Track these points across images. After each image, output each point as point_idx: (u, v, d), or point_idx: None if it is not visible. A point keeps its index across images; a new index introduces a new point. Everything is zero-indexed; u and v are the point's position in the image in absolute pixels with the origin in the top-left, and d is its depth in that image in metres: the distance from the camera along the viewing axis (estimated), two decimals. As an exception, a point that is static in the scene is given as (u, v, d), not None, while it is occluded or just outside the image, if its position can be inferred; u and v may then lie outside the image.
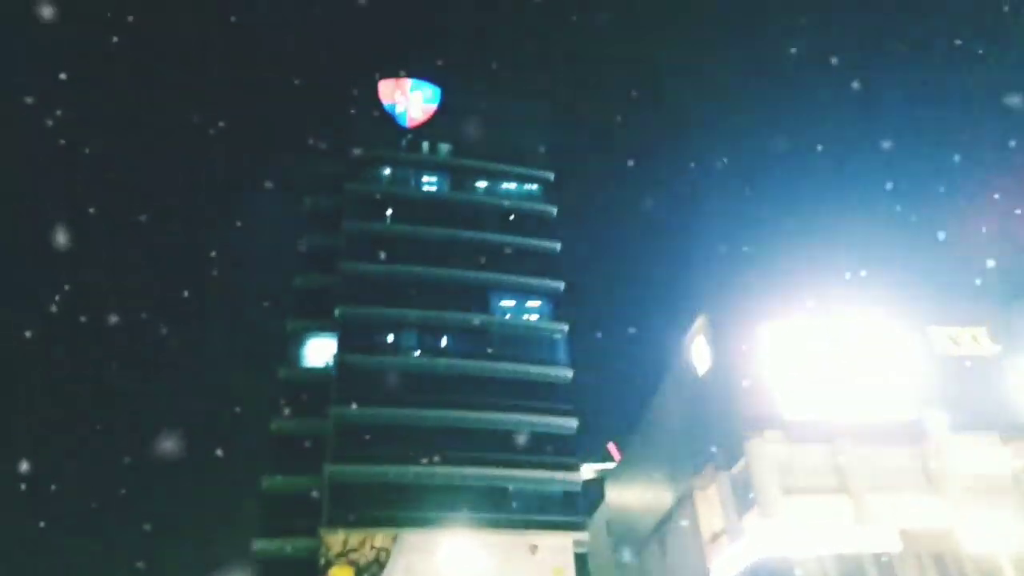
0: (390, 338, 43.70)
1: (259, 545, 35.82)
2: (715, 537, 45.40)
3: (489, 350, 42.72)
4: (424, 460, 37.55)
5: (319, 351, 43.78)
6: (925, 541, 36.97)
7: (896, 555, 36.44)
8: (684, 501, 49.09)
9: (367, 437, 38.34)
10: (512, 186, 51.35)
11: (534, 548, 36.36)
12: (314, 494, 36.96)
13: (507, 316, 45.45)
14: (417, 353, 43.10)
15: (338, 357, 41.33)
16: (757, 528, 39.20)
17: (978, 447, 41.86)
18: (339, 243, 45.38)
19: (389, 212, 47.94)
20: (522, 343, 44.08)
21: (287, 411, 40.62)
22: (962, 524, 35.17)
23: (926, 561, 36.64)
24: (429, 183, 50.25)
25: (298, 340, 44.58)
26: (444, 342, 43.81)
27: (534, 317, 46.18)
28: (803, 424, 41.28)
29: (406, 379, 40.80)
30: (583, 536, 38.68)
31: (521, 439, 39.77)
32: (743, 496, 42.29)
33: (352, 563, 34.76)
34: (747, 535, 40.06)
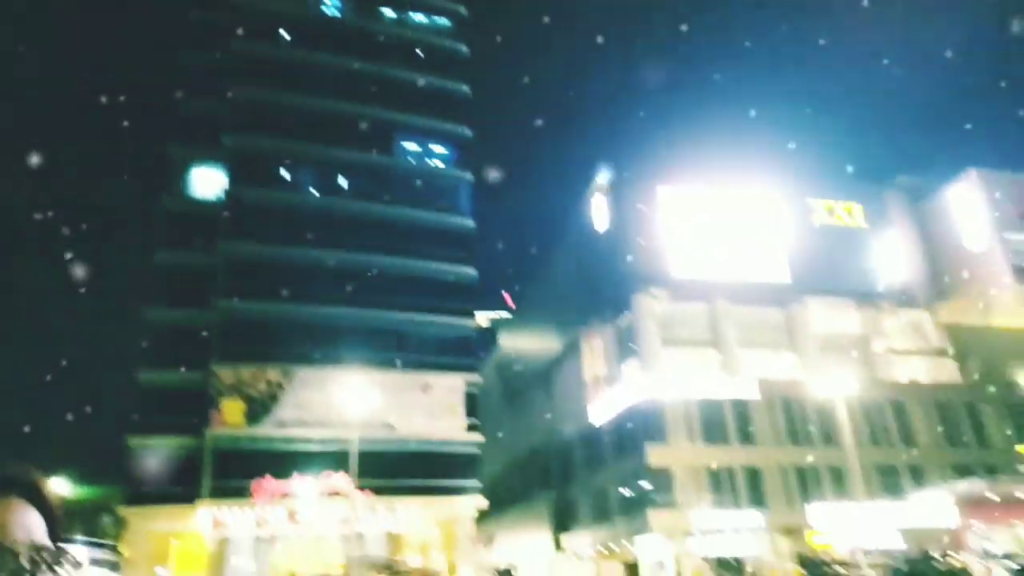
0: (285, 174, 41.42)
1: (145, 377, 35.09)
2: (596, 382, 48.83)
3: (390, 194, 41.45)
4: (319, 300, 37.17)
5: (208, 182, 41.02)
6: (779, 389, 41.38)
7: (752, 402, 40.69)
8: (571, 349, 52.07)
9: (260, 274, 37.28)
10: (422, 18, 47.88)
11: (427, 387, 37.82)
12: (204, 333, 36.19)
13: (410, 160, 43.94)
14: (314, 191, 41.30)
15: (229, 189, 38.95)
16: (635, 375, 42.43)
17: (835, 310, 46.40)
18: (228, 63, 41.27)
19: (283, 33, 43.65)
20: (425, 189, 43.05)
21: (173, 243, 38.42)
22: (811, 376, 39.39)
23: (777, 406, 41.17)
24: (330, 4, 45.82)
25: (184, 168, 41.42)
26: (343, 182, 42.08)
27: (438, 163, 44.97)
28: (687, 283, 43.98)
29: (301, 217, 39.24)
30: (475, 378, 40.48)
31: (419, 285, 39.96)
32: (625, 346, 45.31)
33: (244, 397, 34.99)
34: (626, 381, 43.35)
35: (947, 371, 45.91)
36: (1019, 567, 20.63)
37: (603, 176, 48.44)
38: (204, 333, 36.41)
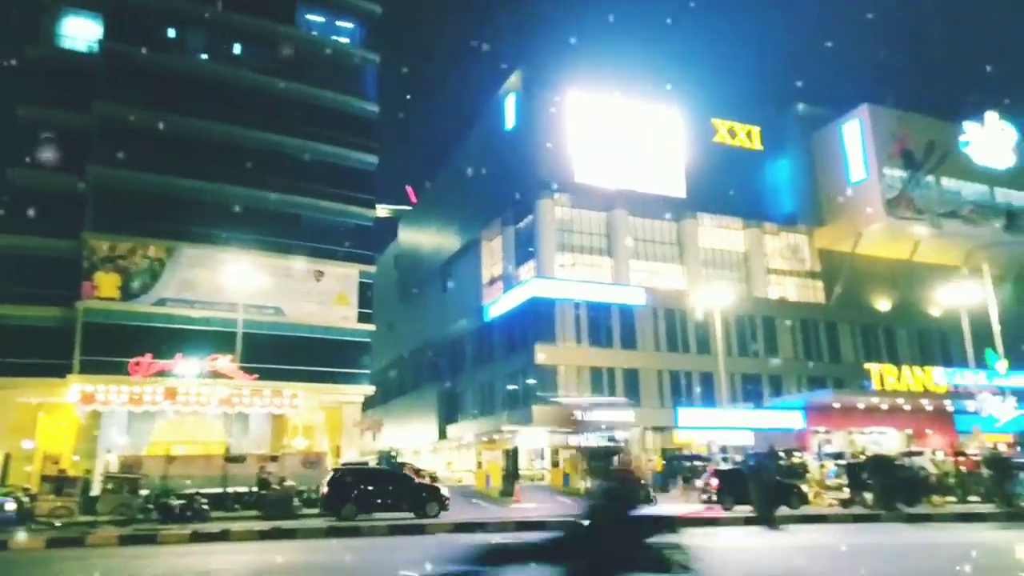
0: (172, 32, 37.66)
1: (8, 241, 32.28)
2: (493, 281, 49.51)
3: (289, 68, 38.66)
4: (206, 175, 34.86)
5: (82, 31, 36.71)
6: (662, 298, 43.52)
7: (638, 308, 42.68)
8: (470, 247, 52.22)
9: (140, 141, 34.34)
10: None
11: (319, 275, 37.03)
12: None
13: (313, 33, 40.96)
14: (204, 57, 37.92)
15: (106, 44, 35.10)
16: (531, 276, 43.31)
17: (724, 228, 48.65)
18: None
19: None
20: (328, 67, 40.36)
21: (39, 98, 34.50)
22: (694, 288, 41.60)
23: (659, 314, 43.39)
24: None
25: (55, 15, 36.79)
26: (238, 49, 38.80)
27: (344, 40, 42.23)
28: (588, 189, 44.57)
29: (189, 84, 35.94)
30: (370, 269, 39.95)
31: (317, 168, 38.15)
32: (524, 248, 45.91)
33: (120, 270, 33.01)
34: (521, 281, 44.21)
35: (815, 292, 49.66)
36: (846, 463, 23.40)
37: (515, 76, 47.32)
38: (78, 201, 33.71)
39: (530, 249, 44.53)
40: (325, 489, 19.85)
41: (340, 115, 40.38)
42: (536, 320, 40.79)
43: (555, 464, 36.81)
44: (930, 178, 47.36)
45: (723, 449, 32.31)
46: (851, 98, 49.70)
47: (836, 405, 38.18)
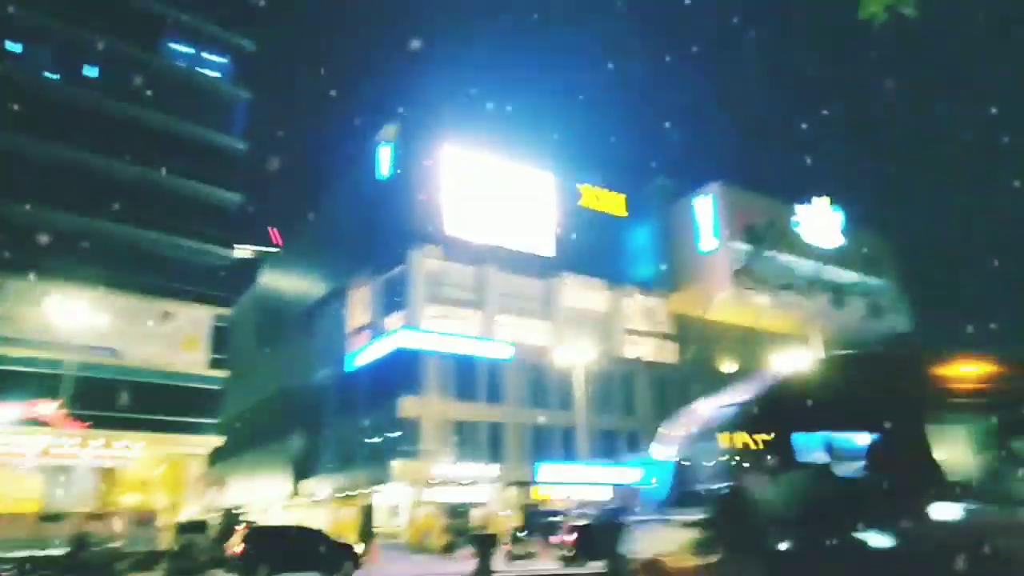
0: (16, 46, 34.53)
1: None
2: (359, 330, 48.25)
3: (149, 96, 36.41)
4: (41, 201, 31.68)
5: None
6: (528, 353, 44.20)
7: (504, 363, 43.05)
8: (337, 294, 50.76)
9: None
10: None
11: (166, 315, 34.40)
12: None
13: (179, 63, 39.13)
14: (52, 76, 35.02)
15: (-67, 51, 31.57)
16: (398, 327, 42.65)
17: (588, 288, 50.59)
18: None
19: None
20: (193, 99, 38.46)
21: None
22: (559, 345, 42.54)
23: (525, 368, 43.98)
24: None
25: None
26: (94, 72, 36.15)
27: (213, 74, 40.69)
28: (460, 243, 45.00)
29: (31, 102, 32.97)
30: (226, 311, 37.69)
31: (171, 202, 35.84)
32: (392, 299, 45.27)
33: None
34: (388, 331, 43.40)
35: (669, 352, 52.42)
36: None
37: (392, 126, 47.50)
38: None
39: (399, 299, 43.97)
40: (239, 548, 18.66)
41: (202, 149, 38.55)
42: (402, 371, 39.99)
43: (413, 521, 35.71)
44: (770, 253, 51.91)
45: (581, 504, 32.78)
46: (706, 174, 54.05)
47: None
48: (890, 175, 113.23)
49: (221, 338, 36.51)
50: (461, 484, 36.00)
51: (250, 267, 67.82)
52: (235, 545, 19.29)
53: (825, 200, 55.93)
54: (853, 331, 56.20)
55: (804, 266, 53.72)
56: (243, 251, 59.44)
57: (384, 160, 47.28)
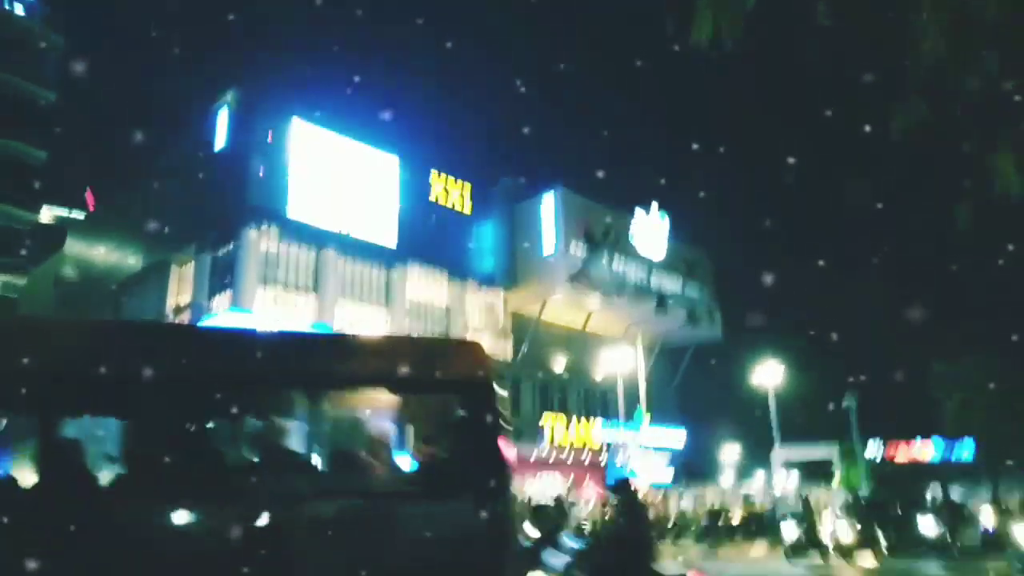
0: None
1: None
2: (180, 310, 44.81)
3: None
4: None
5: None
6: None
7: (339, 352, 41.81)
8: (156, 270, 46.80)
9: None
10: None
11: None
12: None
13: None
14: None
15: None
16: (225, 308, 40.09)
17: (431, 281, 50.62)
18: None
19: None
20: (-6, 40, 33.83)
21: None
22: (402, 333, 42.11)
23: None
24: None
25: None
26: None
27: (20, 10, 35.90)
28: (300, 225, 43.16)
29: None
30: (19, 280, 33.43)
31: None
32: (220, 278, 42.49)
33: None
34: (214, 313, 40.65)
35: (504, 349, 53.72)
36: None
37: (231, 92, 44.57)
38: None
39: (228, 280, 41.41)
40: None
41: (4, 97, 34.04)
42: (226, 356, 37.66)
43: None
44: (605, 259, 54.81)
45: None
46: (550, 175, 56.00)
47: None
48: (710, 191, 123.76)
49: (8, 308, 32.40)
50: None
51: (57, 233, 60.63)
52: None
53: (655, 205, 59.88)
54: (672, 336, 60.85)
55: (634, 274, 57.27)
56: (47, 215, 52.94)
57: (221, 128, 44.25)
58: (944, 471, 62.59)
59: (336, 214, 44.67)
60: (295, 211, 42.86)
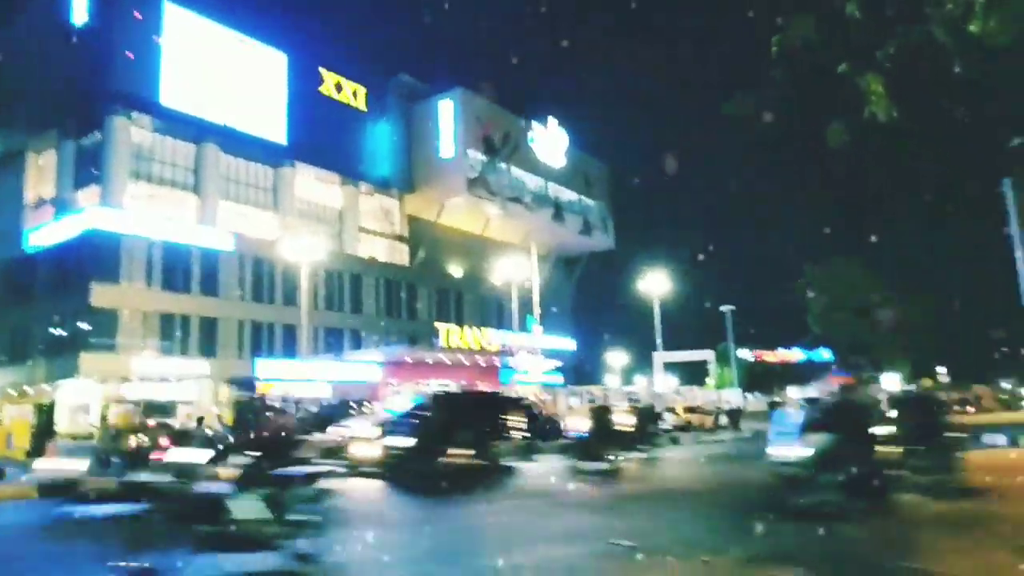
0: None
1: None
2: (40, 203, 41.03)
3: None
4: None
5: None
6: (252, 245, 41.50)
7: (223, 253, 39.92)
8: (11, 158, 42.26)
9: None
10: None
11: None
12: None
13: None
14: None
15: None
16: (93, 203, 36.99)
17: (322, 182, 48.47)
18: None
19: None
20: None
21: None
22: (286, 239, 40.42)
23: (247, 261, 41.34)
24: None
25: None
26: None
27: None
28: (177, 116, 39.73)
29: None
30: None
31: None
32: (86, 169, 38.93)
33: None
34: (80, 208, 37.48)
35: (400, 254, 53.01)
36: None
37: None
38: None
39: (95, 172, 38.08)
40: None
41: None
42: (95, 255, 35.04)
43: (104, 419, 32.36)
44: (503, 165, 54.23)
45: (298, 401, 32.41)
46: (450, 78, 53.80)
47: (409, 360, 41.45)
48: (611, 105, 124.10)
49: None
50: (166, 380, 33.33)
51: None
52: None
53: (555, 120, 59.44)
54: (568, 246, 61.97)
55: (533, 182, 57.17)
56: None
57: (79, 1, 39.31)
58: (807, 370, 68.89)
59: (220, 106, 41.34)
60: (170, 99, 39.32)
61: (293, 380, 33.83)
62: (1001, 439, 17.85)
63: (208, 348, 38.23)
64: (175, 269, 37.87)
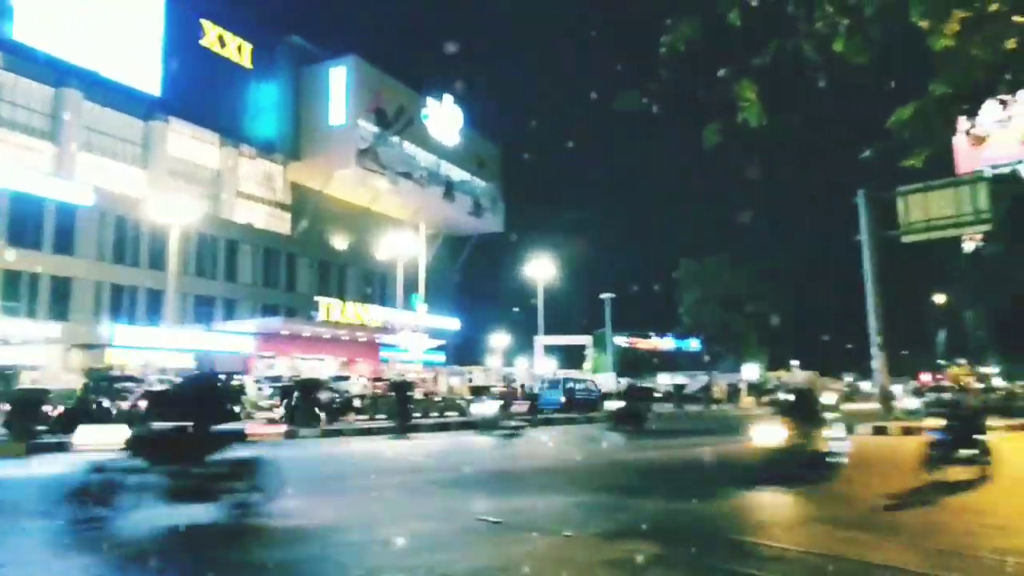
0: None
1: None
2: None
3: None
4: None
5: None
6: (115, 202, 38.49)
7: (82, 209, 36.75)
8: None
9: None
10: None
11: None
12: None
13: None
14: None
15: None
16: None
17: (198, 140, 45.49)
18: None
19: None
20: None
21: None
22: (156, 198, 37.73)
23: (109, 219, 38.32)
24: None
25: None
26: None
27: None
28: (32, 54, 35.91)
29: None
30: None
31: None
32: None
33: None
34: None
35: (281, 223, 50.87)
36: (280, 386, 24.81)
37: None
38: None
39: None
40: None
41: None
42: (-74, 202, 31.30)
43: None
44: (396, 139, 53.10)
45: (162, 371, 30.52)
46: (346, 43, 51.89)
47: (284, 332, 40.05)
48: (508, 90, 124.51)
49: None
50: (6, 343, 30.38)
51: None
52: None
53: (450, 98, 58.85)
54: (457, 225, 61.76)
55: (425, 158, 56.39)
56: None
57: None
58: (677, 358, 72.74)
59: (84, 47, 37.75)
60: (24, 33, 35.50)
61: (154, 348, 31.74)
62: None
63: (60, 311, 35.24)
64: (25, 223, 34.51)
